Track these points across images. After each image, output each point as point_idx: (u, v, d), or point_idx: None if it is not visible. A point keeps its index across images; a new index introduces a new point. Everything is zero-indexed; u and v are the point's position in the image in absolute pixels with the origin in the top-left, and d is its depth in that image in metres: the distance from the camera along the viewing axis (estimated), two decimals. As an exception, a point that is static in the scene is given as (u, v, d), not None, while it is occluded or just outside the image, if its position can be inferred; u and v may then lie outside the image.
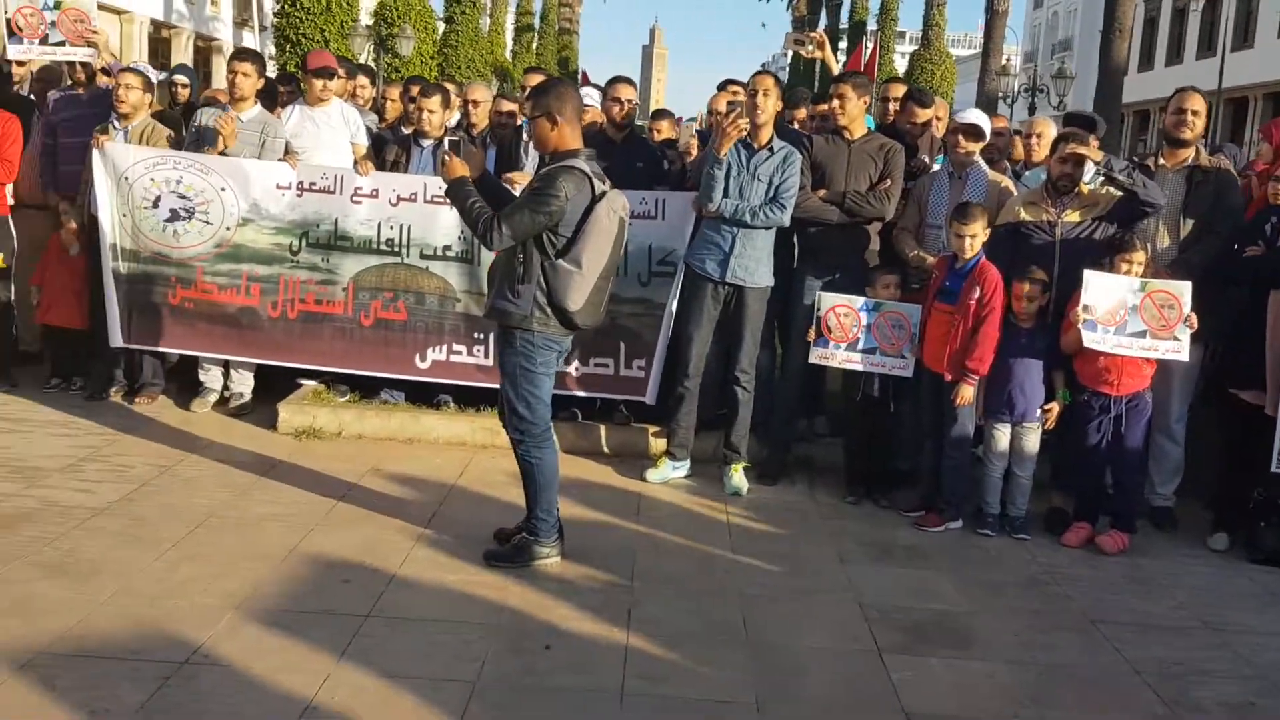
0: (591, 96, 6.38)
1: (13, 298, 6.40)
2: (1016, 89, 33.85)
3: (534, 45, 47.37)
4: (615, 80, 6.12)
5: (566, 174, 4.10)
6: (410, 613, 3.87)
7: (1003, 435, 5.10)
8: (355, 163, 6.08)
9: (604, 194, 4.19)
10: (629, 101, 5.94)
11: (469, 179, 4.24)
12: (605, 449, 5.94)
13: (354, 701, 3.25)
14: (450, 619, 3.88)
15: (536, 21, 48.70)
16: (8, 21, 6.48)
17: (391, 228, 5.96)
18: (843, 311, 5.30)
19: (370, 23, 27.62)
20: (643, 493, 5.41)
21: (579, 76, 34.50)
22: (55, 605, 3.70)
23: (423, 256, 5.96)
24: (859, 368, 5.34)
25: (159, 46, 29.32)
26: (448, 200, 4.36)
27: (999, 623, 4.14)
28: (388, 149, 6.24)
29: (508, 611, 3.95)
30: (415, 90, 6.66)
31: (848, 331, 5.30)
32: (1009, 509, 5.13)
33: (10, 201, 6.29)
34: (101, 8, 25.12)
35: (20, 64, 7.05)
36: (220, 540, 4.42)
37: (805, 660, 3.75)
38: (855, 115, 5.54)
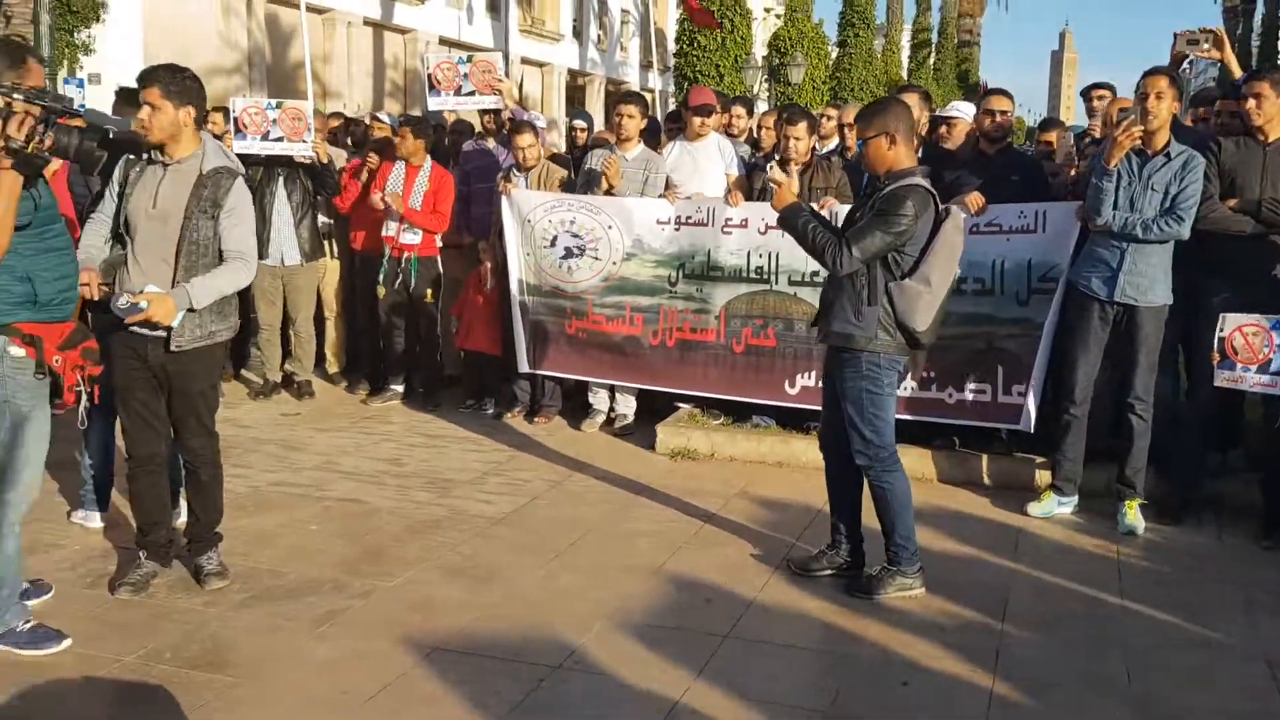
0: (961, 110, 6.15)
1: (439, 328, 7.25)
2: None
3: (930, 60, 46.36)
4: (990, 92, 5.87)
5: (912, 193, 4.03)
6: (768, 637, 3.91)
7: None
8: (726, 194, 6.28)
9: (948, 210, 4.14)
10: (1002, 114, 5.67)
11: (803, 204, 4.27)
12: (983, 480, 5.67)
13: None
14: (807, 646, 3.88)
15: (934, 36, 47.67)
16: (429, 76, 7.33)
17: (760, 256, 6.10)
18: (1251, 331, 4.71)
19: (764, 54, 28.38)
20: (1023, 528, 5.10)
21: (979, 88, 33.27)
22: (454, 605, 4.13)
23: (790, 283, 6.03)
24: (1274, 391, 4.72)
25: (574, 94, 31.89)
26: (780, 227, 4.34)
27: None
28: (755, 176, 6.39)
29: (866, 643, 3.88)
30: (781, 117, 6.76)
31: (1257, 352, 4.70)
32: None
33: (438, 244, 7.13)
34: (525, 61, 27.68)
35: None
36: (598, 553, 4.72)
37: (1197, 723, 3.36)
38: (1272, 115, 4.92)
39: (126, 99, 5.59)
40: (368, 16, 23.50)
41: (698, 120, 6.62)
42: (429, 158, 7.03)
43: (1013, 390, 5.58)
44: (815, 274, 5.94)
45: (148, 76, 3.92)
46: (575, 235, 6.46)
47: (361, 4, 23.27)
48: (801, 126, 6.09)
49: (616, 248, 6.40)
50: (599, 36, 33.50)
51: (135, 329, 3.89)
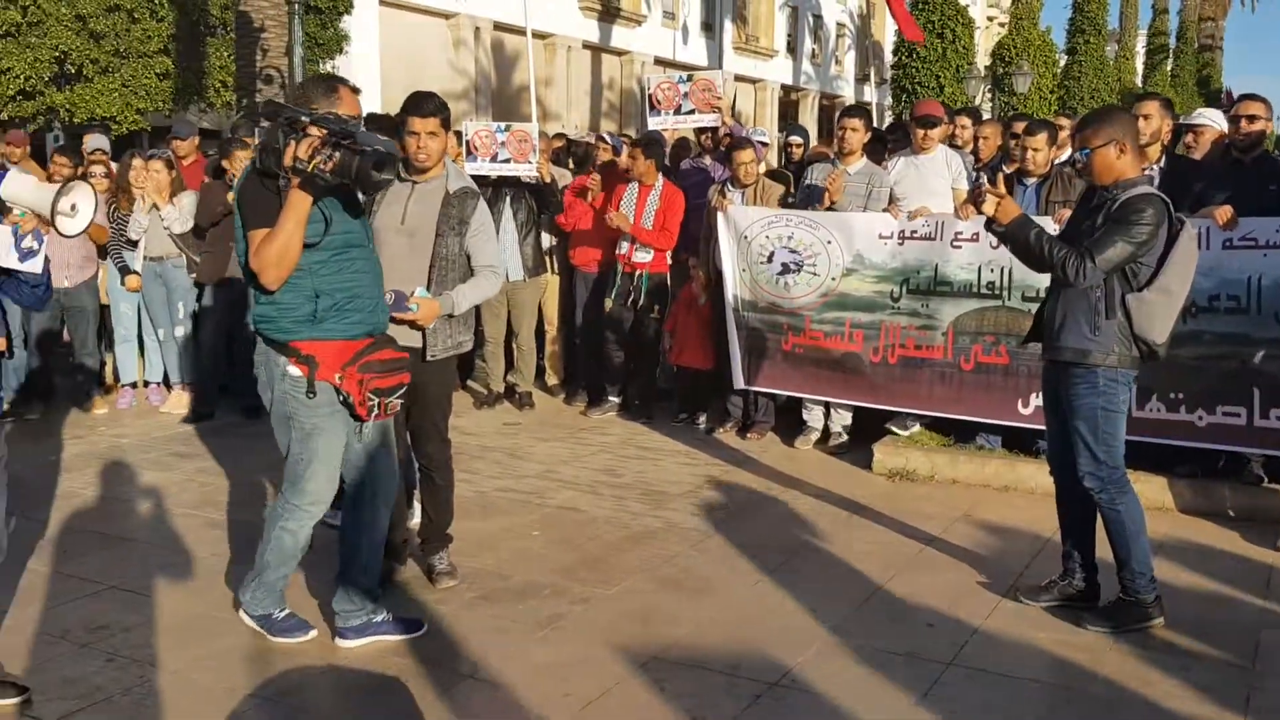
0: (1211, 118, 5.76)
1: (660, 344, 7.34)
2: None
3: (1168, 67, 43.65)
4: (1243, 98, 5.47)
5: (1151, 201, 3.84)
6: (993, 666, 3.75)
7: None
8: (956, 208, 6.10)
9: (1183, 220, 3.97)
10: (1256, 119, 5.27)
11: (1029, 216, 4.11)
12: (1229, 511, 5.27)
13: (928, 748, 3.23)
14: (1035, 678, 3.70)
15: (1172, 41, 44.87)
16: (650, 96, 7.45)
17: (992, 271, 5.89)
18: None
19: (987, 63, 27.45)
20: (1275, 565, 4.71)
21: (1223, 96, 31.09)
22: (670, 616, 4.17)
23: (1024, 299, 5.79)
24: None
25: (787, 109, 31.81)
26: (1001, 240, 4.15)
27: None
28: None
29: (1100, 679, 3.66)
30: (1019, 128, 6.53)
31: None
32: None
33: (669, 261, 7.23)
34: (738, 78, 27.77)
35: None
36: (814, 571, 4.66)
37: None
38: None
39: (376, 124, 5.94)
40: (586, 40, 24.21)
41: (921, 132, 6.47)
42: (660, 176, 7.15)
43: (1270, 414, 5.16)
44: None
45: (424, 106, 4.16)
46: (793, 251, 6.43)
47: (581, 28, 23.98)
48: (1041, 138, 5.86)
49: (836, 263, 6.33)
50: (813, 51, 33.29)
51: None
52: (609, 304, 7.31)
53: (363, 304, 3.65)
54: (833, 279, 6.36)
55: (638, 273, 7.12)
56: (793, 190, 6.97)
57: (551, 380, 8.26)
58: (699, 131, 7.62)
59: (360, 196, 3.69)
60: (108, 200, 7.34)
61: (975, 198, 4.09)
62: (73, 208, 3.30)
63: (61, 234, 3.34)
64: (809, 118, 31.38)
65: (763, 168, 6.95)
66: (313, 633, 3.92)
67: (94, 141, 8.76)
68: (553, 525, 5.23)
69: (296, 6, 10.15)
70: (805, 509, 5.52)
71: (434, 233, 4.18)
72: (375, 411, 3.64)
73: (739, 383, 6.74)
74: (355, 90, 3.68)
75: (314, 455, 3.68)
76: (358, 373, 3.57)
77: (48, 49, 13.60)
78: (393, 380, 3.68)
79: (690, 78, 7.41)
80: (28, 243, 3.39)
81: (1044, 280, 5.62)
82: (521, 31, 22.17)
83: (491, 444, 6.74)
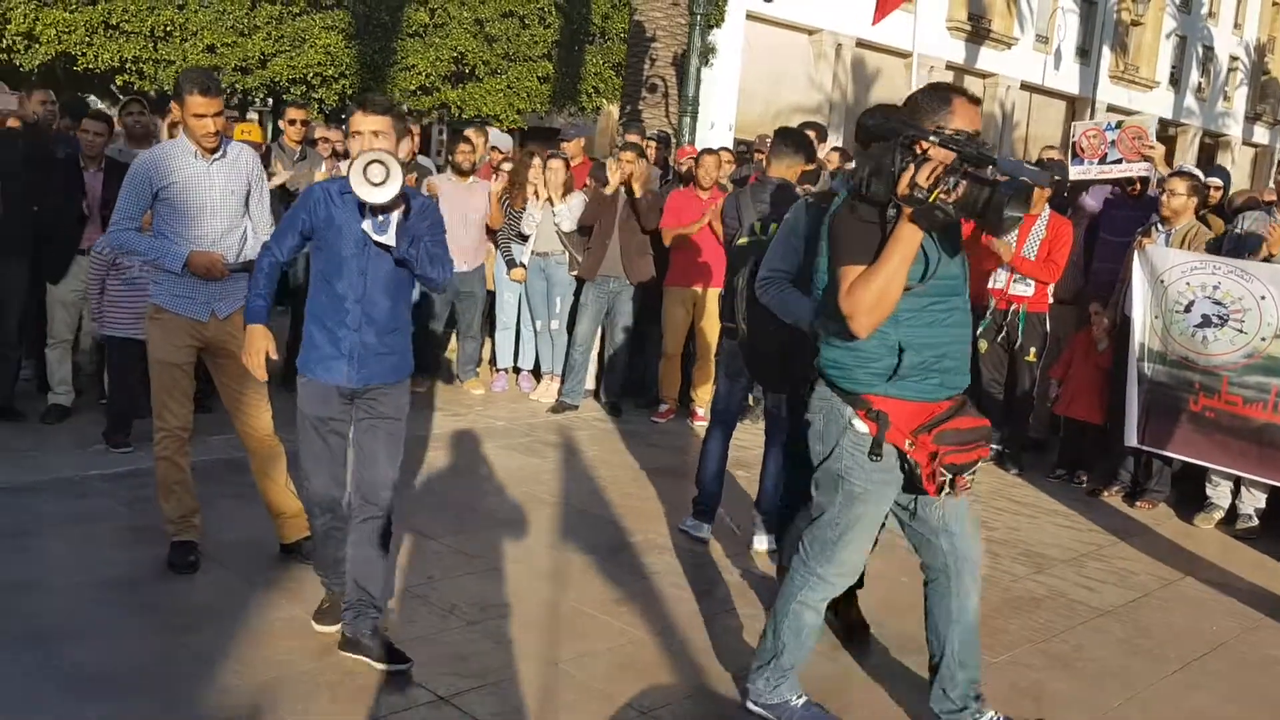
0: None
1: (1035, 389, 6.81)
2: None
3: None
4: None
5: None
6: None
7: None
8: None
9: None
10: None
11: None
12: None
13: None
14: None
15: None
16: (1072, 145, 6.96)
17: None
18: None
19: None
20: None
21: None
22: (1068, 699, 3.76)
23: None
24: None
25: (1164, 144, 29.41)
26: None
27: None
28: None
29: None
30: None
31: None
32: None
33: (1050, 299, 6.70)
34: (1110, 109, 25.94)
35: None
36: (1234, 674, 4.07)
37: None
38: None
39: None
40: (950, 60, 23.46)
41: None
42: (1047, 206, 6.66)
43: None
44: None
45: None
46: (1217, 303, 5.73)
47: (946, 49, 23.27)
48: None
49: (1269, 322, 5.57)
50: (1199, 84, 30.59)
51: None
52: (981, 343, 6.84)
53: (950, 364, 3.10)
54: (1262, 339, 5.60)
55: (1013, 307, 6.62)
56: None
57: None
58: (1125, 183, 6.97)
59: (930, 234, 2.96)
60: (501, 196, 7.73)
61: None
62: (380, 178, 3.24)
63: (368, 201, 3.31)
64: (1188, 155, 28.84)
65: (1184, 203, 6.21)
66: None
67: (497, 139, 9.30)
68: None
69: (697, 17, 10.35)
70: (1213, 600, 4.87)
71: None
72: (945, 489, 3.07)
73: (1130, 440, 6.10)
74: (974, 100, 3.08)
75: (855, 522, 3.21)
76: (933, 442, 3.06)
77: (447, 49, 14.76)
78: (970, 455, 3.11)
79: (1119, 124, 6.86)
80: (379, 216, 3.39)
81: None
82: (883, 50, 21.79)
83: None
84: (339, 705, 3.37)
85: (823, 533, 3.26)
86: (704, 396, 7.29)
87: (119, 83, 13.29)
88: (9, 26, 12.15)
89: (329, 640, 3.74)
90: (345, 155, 7.78)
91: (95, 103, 13.99)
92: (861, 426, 3.10)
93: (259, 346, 3.60)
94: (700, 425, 7.18)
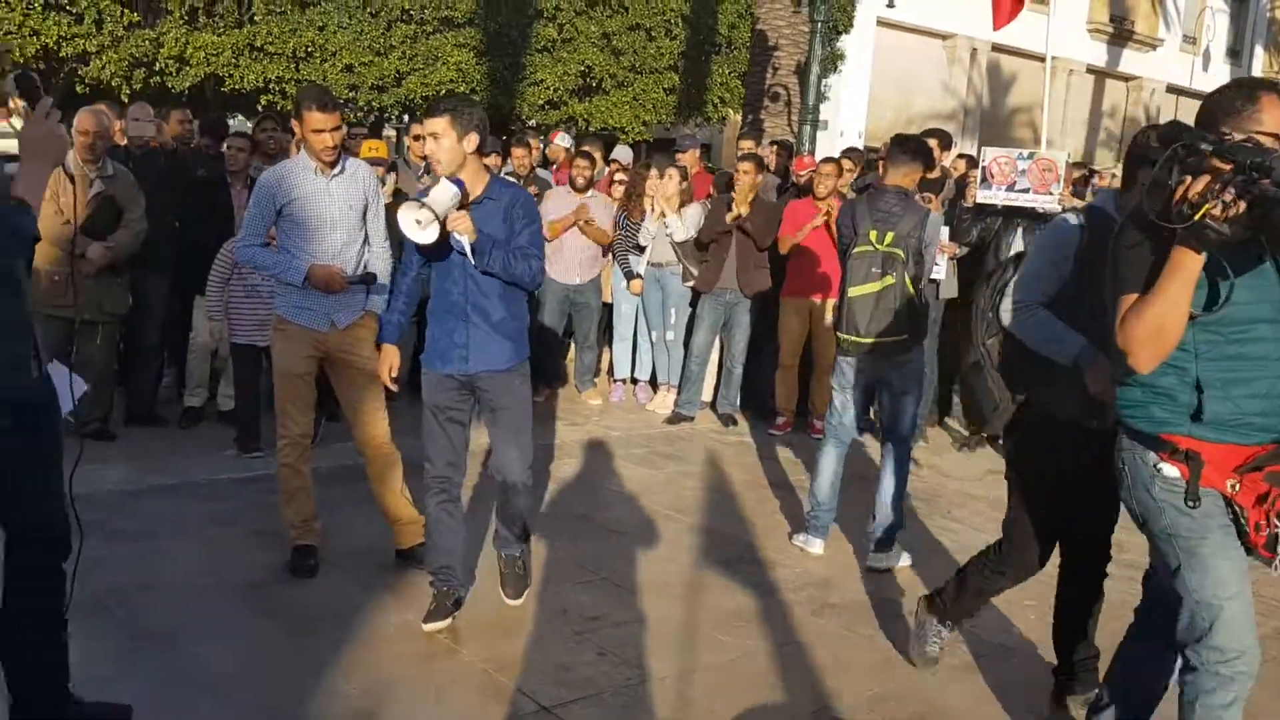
0: None
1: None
2: None
3: None
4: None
5: None
6: None
7: None
8: None
9: None
10: None
11: None
12: None
13: None
14: None
15: None
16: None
17: None
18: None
19: None
20: None
21: None
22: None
23: None
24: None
25: None
26: None
27: None
28: None
29: None
30: None
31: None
32: None
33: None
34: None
35: None
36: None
37: None
38: None
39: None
40: (1091, 64, 22.64)
41: None
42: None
43: None
44: None
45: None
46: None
47: (1086, 51, 22.47)
48: None
49: None
50: (1364, 82, 28.74)
51: None
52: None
53: (1262, 405, 2.61)
54: None
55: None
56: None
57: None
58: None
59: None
60: (619, 208, 7.76)
61: None
62: (420, 224, 3.51)
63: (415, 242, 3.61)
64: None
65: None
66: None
67: (619, 153, 9.35)
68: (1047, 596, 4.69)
69: (819, 25, 10.23)
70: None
71: None
72: (1273, 546, 2.60)
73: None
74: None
75: (1212, 585, 2.63)
76: (1264, 481, 2.59)
77: (575, 63, 14.93)
78: None
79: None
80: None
81: None
82: (1020, 53, 21.15)
83: (974, 491, 6.28)
84: (445, 710, 3.41)
85: (1188, 617, 2.67)
86: (822, 409, 7.16)
87: (263, 103, 13.86)
88: (162, 50, 12.80)
89: (439, 647, 3.79)
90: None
91: (242, 123, 14.65)
92: (1171, 471, 2.67)
93: (387, 364, 4.01)
94: (819, 438, 7.05)
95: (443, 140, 3.65)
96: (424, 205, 3.53)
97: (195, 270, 6.26)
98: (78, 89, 12.15)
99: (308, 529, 4.44)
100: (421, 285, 4.04)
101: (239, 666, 3.56)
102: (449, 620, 3.93)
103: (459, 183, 3.62)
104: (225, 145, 6.71)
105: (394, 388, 4.12)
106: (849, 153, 8.42)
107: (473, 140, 3.69)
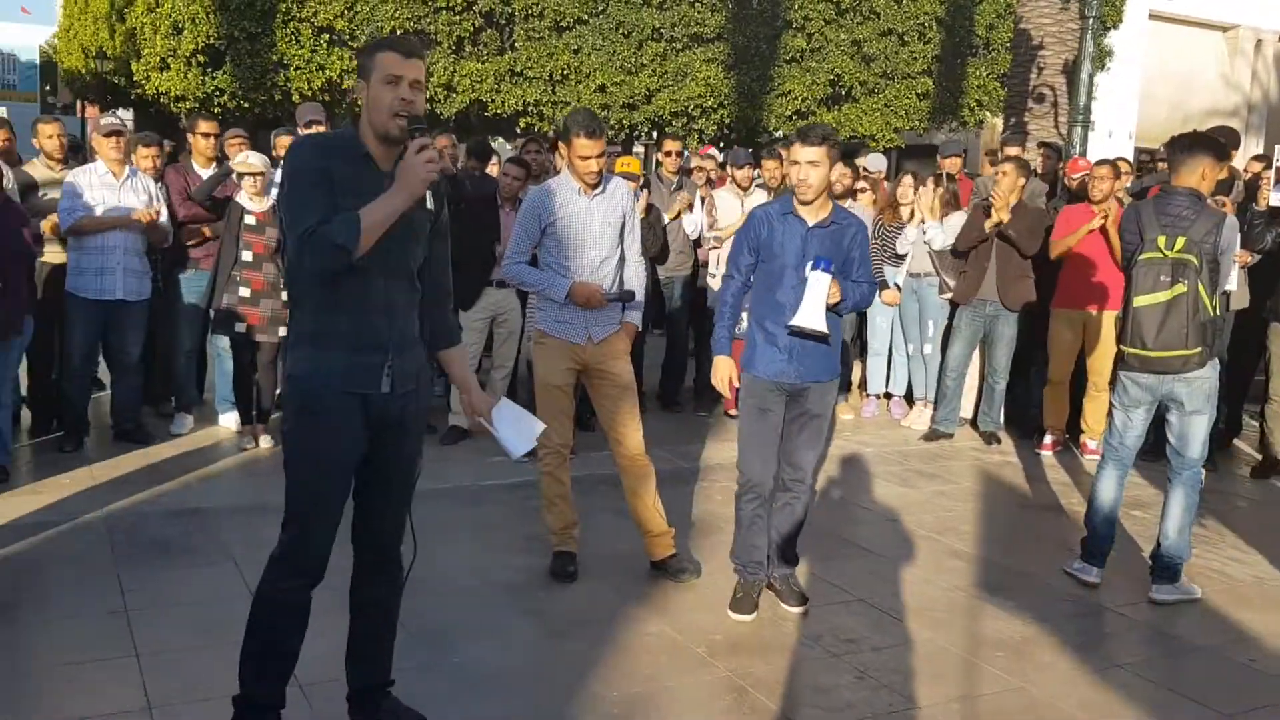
0: None
1: None
2: None
3: None
4: None
5: None
6: None
7: None
8: None
9: None
10: None
11: None
12: None
13: None
14: None
15: None
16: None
17: None
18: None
19: None
20: None
21: None
22: None
23: None
24: None
25: None
26: None
27: None
28: None
29: None
30: None
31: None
32: None
33: None
34: None
35: None
36: None
37: None
38: None
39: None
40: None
41: None
42: None
43: None
44: None
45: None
46: None
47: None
48: None
49: None
50: None
51: None
52: None
53: None
54: None
55: None
56: None
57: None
58: None
59: None
60: (875, 216, 7.56)
61: None
62: None
63: None
64: None
65: None
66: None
67: (870, 161, 9.14)
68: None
69: (1090, 21, 9.67)
70: None
71: None
72: None
73: None
74: None
75: None
76: None
77: (824, 72, 14.76)
78: None
79: None
80: None
81: None
82: (1316, 41, 19.22)
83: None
84: (702, 726, 3.39)
85: None
86: (1096, 428, 6.71)
87: (521, 125, 14.47)
88: (431, 79, 13.60)
89: (695, 660, 3.78)
90: (716, 184, 7.98)
91: (503, 145, 15.35)
92: None
93: (721, 375, 4.19)
94: (1091, 459, 6.61)
95: (820, 168, 3.90)
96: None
97: (461, 285, 6.52)
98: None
99: (567, 536, 4.54)
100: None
101: (505, 667, 3.67)
102: (755, 614, 4.14)
103: (828, 266, 3.88)
104: (502, 172, 6.98)
105: (730, 395, 4.35)
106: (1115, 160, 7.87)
107: (836, 169, 4.00)
